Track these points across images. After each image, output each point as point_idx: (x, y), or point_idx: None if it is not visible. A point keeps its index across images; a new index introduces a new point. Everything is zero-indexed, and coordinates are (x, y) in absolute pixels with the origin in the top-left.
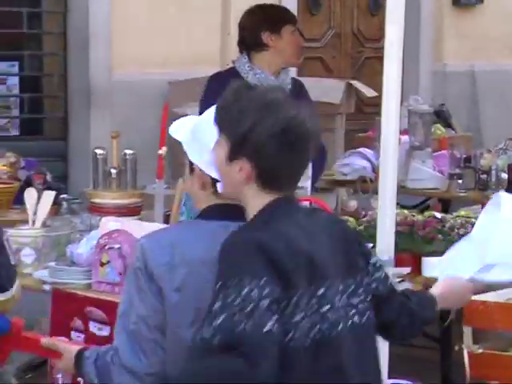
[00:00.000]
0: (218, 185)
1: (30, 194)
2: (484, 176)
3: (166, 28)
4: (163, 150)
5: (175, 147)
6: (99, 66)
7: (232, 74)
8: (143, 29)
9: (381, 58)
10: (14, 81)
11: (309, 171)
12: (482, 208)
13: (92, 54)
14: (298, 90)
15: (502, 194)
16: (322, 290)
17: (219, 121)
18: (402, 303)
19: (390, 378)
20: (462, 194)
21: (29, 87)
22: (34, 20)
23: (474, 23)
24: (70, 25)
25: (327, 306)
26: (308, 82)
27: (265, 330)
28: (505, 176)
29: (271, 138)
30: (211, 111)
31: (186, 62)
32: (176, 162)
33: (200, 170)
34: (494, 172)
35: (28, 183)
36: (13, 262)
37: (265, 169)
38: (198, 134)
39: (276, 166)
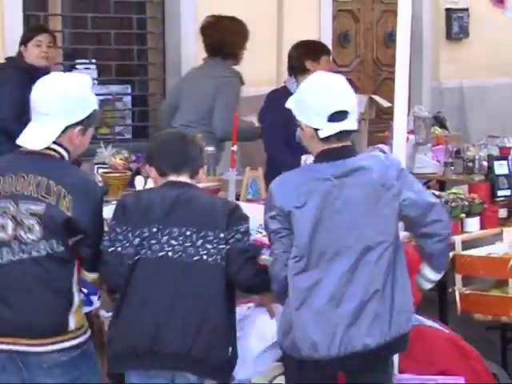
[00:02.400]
0: (320, 132)
1: (138, 180)
2: (470, 164)
3: None
4: (235, 147)
5: (244, 145)
6: None
7: (284, 91)
8: None
9: (394, 79)
10: (128, 99)
11: None
12: (468, 187)
13: None
14: None
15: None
16: (148, 228)
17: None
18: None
19: None
20: (453, 177)
21: (138, 103)
22: (142, 54)
23: (462, 52)
24: (167, 58)
25: (146, 241)
26: None
27: (110, 250)
28: (485, 164)
29: (153, 149)
30: (301, 91)
31: (252, 82)
32: (244, 155)
33: (305, 125)
34: (477, 161)
35: (137, 172)
36: None
37: (155, 165)
38: (300, 102)
39: (158, 159)
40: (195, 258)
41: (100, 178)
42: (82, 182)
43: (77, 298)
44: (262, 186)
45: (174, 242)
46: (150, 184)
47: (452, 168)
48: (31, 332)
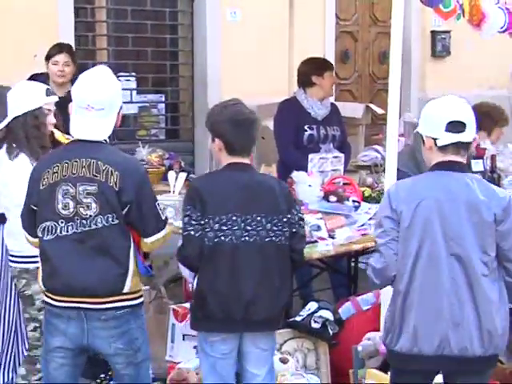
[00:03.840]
0: (438, 141)
1: (171, 175)
2: None
3: (254, 72)
4: None
5: (260, 147)
6: (213, 96)
7: (294, 100)
8: (240, 73)
9: (387, 90)
10: (162, 106)
11: (342, 160)
12: None
13: (209, 89)
14: (334, 110)
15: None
16: (226, 216)
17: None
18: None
19: None
20: None
21: (171, 109)
22: (174, 69)
23: (444, 67)
24: (196, 72)
25: (226, 227)
26: (342, 104)
27: (185, 233)
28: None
29: (225, 124)
30: (426, 108)
31: (267, 92)
32: (260, 156)
33: (426, 136)
34: None
35: (170, 168)
36: (163, 217)
37: (226, 142)
38: (424, 116)
39: (231, 140)
40: (267, 240)
41: None
42: (125, 160)
43: (132, 266)
44: None
45: (248, 228)
46: (181, 178)
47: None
48: (94, 293)
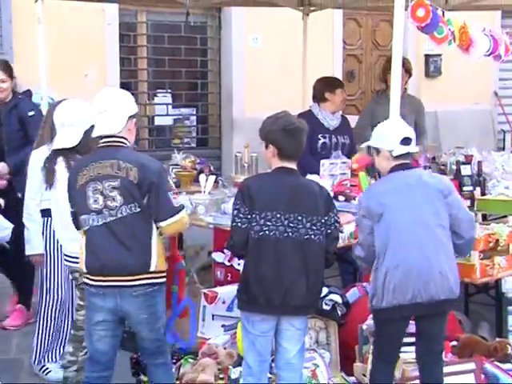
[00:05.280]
0: (393, 152)
1: (202, 177)
2: (443, 167)
3: (272, 90)
4: None
5: None
6: (238, 109)
7: (310, 113)
8: (260, 90)
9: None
10: (193, 118)
11: (349, 165)
12: None
13: (234, 103)
14: (344, 121)
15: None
16: (271, 213)
17: (260, 132)
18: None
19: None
20: None
21: (201, 121)
22: (204, 86)
23: (436, 85)
24: (223, 89)
25: (271, 222)
26: (349, 117)
27: (233, 224)
28: (454, 167)
29: (278, 133)
30: (378, 130)
31: (283, 107)
32: None
33: (384, 149)
34: (448, 165)
35: (201, 171)
36: (176, 205)
37: (279, 149)
38: (379, 135)
39: (283, 146)
40: (306, 237)
41: (174, 175)
42: (141, 158)
43: (155, 248)
44: None
45: (291, 225)
46: (211, 180)
47: (429, 170)
48: (124, 272)
